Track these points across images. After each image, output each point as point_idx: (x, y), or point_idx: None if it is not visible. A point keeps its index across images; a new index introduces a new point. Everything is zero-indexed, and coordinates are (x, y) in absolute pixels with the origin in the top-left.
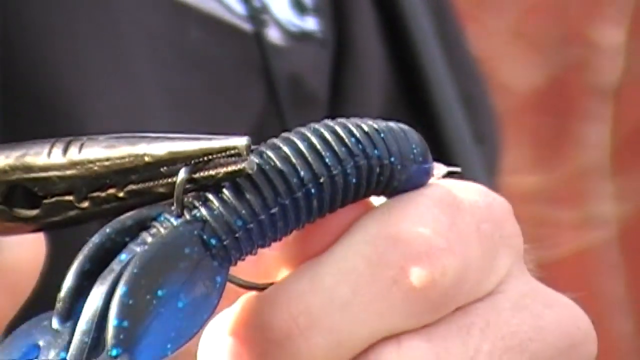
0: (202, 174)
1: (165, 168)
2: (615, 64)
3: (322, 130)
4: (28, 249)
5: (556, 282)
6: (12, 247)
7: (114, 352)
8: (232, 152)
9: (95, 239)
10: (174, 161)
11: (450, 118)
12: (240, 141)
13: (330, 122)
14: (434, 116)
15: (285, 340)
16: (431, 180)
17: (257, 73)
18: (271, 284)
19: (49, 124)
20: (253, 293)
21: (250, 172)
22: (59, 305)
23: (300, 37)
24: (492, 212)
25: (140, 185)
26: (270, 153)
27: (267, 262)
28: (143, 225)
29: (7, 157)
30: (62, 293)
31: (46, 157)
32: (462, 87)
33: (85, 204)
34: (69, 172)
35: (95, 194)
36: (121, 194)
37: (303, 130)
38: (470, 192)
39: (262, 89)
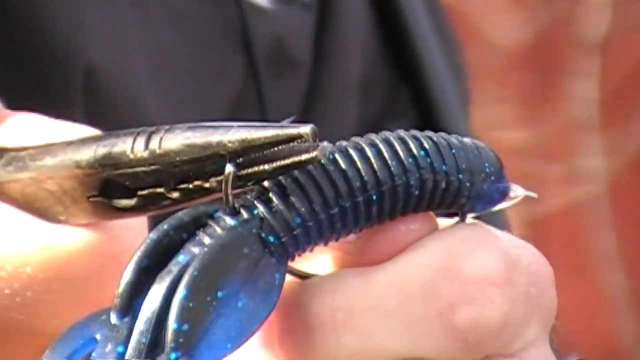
0: (275, 164)
1: (241, 159)
2: (602, 17)
3: (392, 139)
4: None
5: (546, 237)
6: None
7: (173, 356)
8: (298, 140)
9: (153, 235)
10: (247, 150)
11: (436, 77)
12: (305, 129)
13: (402, 133)
14: (419, 75)
15: (317, 328)
16: (507, 203)
17: (237, 36)
18: None
19: (43, 80)
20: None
21: (322, 159)
22: (116, 300)
23: (286, 0)
24: (538, 280)
25: (222, 177)
26: (337, 155)
27: (326, 261)
28: (200, 222)
29: (95, 154)
30: (120, 288)
31: (130, 153)
32: (445, 49)
33: (176, 195)
34: (153, 167)
35: (183, 186)
36: (207, 185)
37: (373, 137)
38: (528, 253)
39: (242, 52)
